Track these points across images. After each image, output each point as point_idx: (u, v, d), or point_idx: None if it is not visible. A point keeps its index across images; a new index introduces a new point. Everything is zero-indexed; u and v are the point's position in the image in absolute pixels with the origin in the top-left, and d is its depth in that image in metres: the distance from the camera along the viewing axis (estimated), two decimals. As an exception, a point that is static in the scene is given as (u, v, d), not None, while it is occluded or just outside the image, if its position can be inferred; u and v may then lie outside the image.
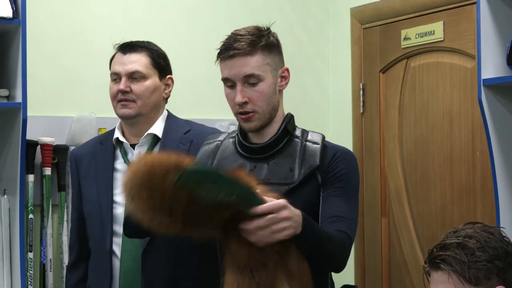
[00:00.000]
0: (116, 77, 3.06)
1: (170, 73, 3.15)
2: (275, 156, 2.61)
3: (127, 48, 3.08)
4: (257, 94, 2.56)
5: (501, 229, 2.07)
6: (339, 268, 2.55)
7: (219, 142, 2.71)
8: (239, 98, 2.55)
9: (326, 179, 2.58)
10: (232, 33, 2.61)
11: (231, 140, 2.69)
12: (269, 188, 2.46)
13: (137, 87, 3.03)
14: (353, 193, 2.62)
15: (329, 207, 2.55)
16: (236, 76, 2.55)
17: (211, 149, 2.70)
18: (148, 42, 3.13)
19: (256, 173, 2.57)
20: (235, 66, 2.55)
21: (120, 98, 3.03)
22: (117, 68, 3.06)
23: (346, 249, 2.53)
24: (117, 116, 3.11)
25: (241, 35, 2.57)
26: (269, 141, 2.61)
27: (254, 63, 2.55)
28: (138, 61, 3.05)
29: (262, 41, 2.57)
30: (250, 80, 2.55)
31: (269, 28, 2.64)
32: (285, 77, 2.66)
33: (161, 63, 3.09)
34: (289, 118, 2.65)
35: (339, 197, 2.56)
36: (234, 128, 2.88)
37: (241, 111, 2.57)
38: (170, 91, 3.13)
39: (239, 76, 2.55)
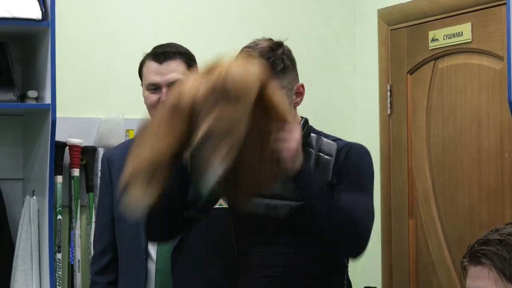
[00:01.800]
0: (153, 87, 2.97)
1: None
2: None
3: (161, 56, 2.98)
4: None
5: None
6: (360, 241, 2.49)
7: None
8: None
9: (338, 178, 2.54)
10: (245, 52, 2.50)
11: None
12: (283, 202, 2.51)
13: None
14: (364, 185, 2.57)
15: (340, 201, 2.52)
16: None
17: None
18: (175, 45, 3.06)
19: None
20: None
21: None
22: (155, 78, 2.96)
23: (366, 219, 2.50)
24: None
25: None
26: None
27: None
28: (176, 70, 2.96)
29: (277, 67, 2.48)
30: None
31: (282, 44, 2.54)
32: (300, 93, 2.58)
33: (193, 65, 3.07)
34: (303, 127, 2.58)
35: (349, 191, 2.52)
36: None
37: None
38: None
39: None
